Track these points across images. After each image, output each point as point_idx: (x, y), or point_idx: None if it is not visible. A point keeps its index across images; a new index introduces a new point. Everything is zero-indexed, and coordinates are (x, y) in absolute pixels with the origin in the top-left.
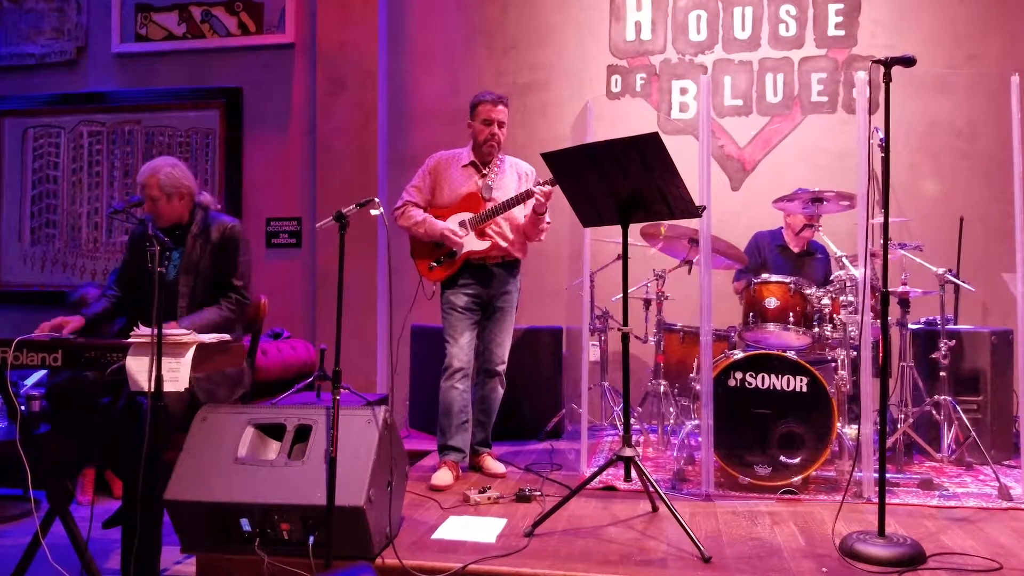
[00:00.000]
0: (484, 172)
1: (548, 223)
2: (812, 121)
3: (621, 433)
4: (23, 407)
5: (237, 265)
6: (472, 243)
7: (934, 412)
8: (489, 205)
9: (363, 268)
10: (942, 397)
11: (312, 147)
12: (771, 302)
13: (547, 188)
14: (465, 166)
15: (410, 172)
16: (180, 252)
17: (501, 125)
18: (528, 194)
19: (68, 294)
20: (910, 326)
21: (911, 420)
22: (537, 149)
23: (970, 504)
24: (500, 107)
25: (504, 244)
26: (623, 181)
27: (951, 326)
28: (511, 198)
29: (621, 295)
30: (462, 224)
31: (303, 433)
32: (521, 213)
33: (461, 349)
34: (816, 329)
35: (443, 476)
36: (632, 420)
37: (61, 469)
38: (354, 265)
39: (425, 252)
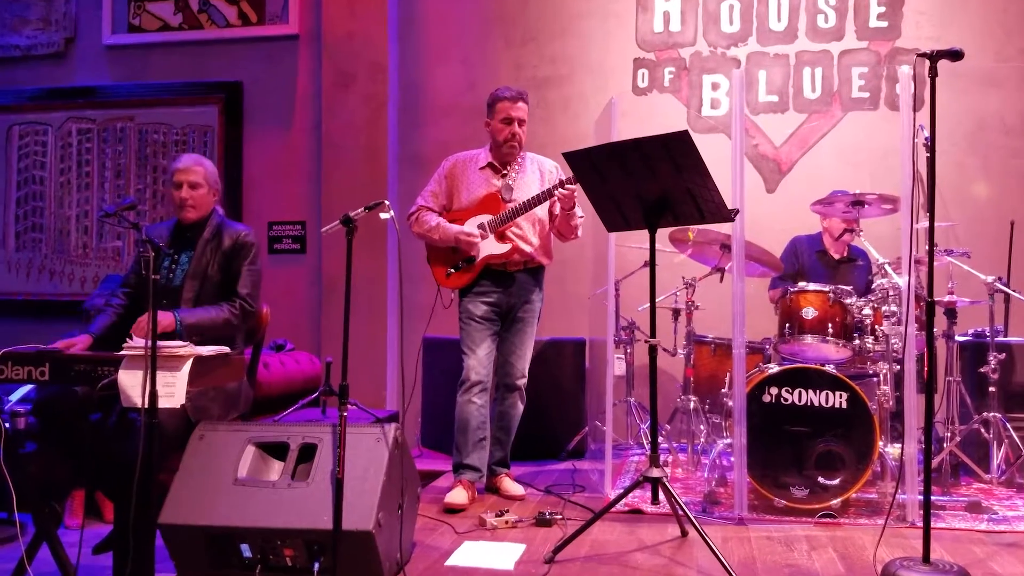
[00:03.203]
0: (504, 172)
1: (582, 217)
2: (853, 118)
3: (648, 452)
4: (8, 424)
5: (243, 273)
6: (491, 247)
7: (983, 430)
8: (509, 206)
9: (372, 275)
10: (991, 414)
11: (317, 145)
12: (809, 312)
13: (568, 189)
14: (483, 168)
15: (423, 171)
16: (190, 256)
17: (522, 124)
18: (548, 194)
19: (86, 303)
20: (957, 338)
21: (958, 439)
22: (558, 148)
23: (1021, 528)
24: (520, 104)
25: (527, 248)
26: (650, 183)
27: (1001, 338)
28: (531, 198)
29: (648, 305)
30: (481, 227)
31: (308, 452)
32: (545, 213)
33: (479, 361)
34: (857, 341)
35: (458, 495)
36: (660, 438)
37: (48, 490)
38: (363, 272)
39: (442, 258)
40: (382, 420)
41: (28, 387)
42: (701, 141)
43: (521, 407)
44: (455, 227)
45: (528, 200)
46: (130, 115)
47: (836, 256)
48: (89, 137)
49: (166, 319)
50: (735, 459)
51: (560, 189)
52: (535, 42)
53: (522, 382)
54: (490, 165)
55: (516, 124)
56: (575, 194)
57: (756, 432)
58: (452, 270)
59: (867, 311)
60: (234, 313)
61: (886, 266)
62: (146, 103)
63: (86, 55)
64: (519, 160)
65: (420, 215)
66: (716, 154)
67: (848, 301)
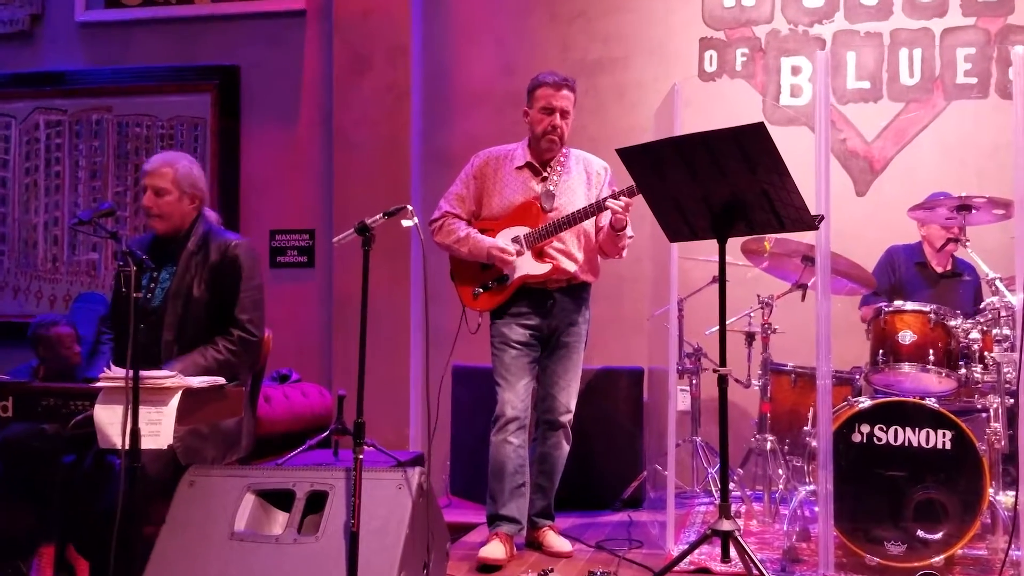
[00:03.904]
0: (544, 174)
1: (631, 237)
2: (957, 108)
3: (717, 501)
4: None
5: (241, 294)
6: (528, 265)
7: None
8: (550, 218)
9: (392, 293)
10: None
11: (328, 141)
12: (906, 336)
13: (624, 201)
14: (520, 168)
15: (452, 171)
16: (171, 272)
17: (565, 115)
18: (598, 207)
19: (32, 327)
20: None
21: None
22: (611, 143)
23: None
24: (564, 92)
25: (570, 266)
26: (720, 184)
27: None
28: (576, 212)
29: (717, 327)
30: (516, 241)
31: (317, 502)
32: (592, 224)
33: (516, 395)
34: (963, 370)
35: (494, 549)
36: (731, 485)
37: (13, 546)
38: (381, 290)
39: (469, 275)
40: (404, 463)
41: None
42: (779, 135)
43: (566, 448)
44: (489, 240)
45: (572, 214)
46: (107, 105)
47: (938, 270)
48: (59, 131)
49: None
50: (819, 509)
51: (613, 202)
52: (584, 18)
53: (567, 419)
54: (528, 165)
55: (557, 115)
56: (631, 206)
57: (844, 477)
58: (480, 290)
59: (975, 335)
60: (231, 349)
61: (997, 282)
62: (126, 91)
63: (56, 34)
64: (561, 158)
65: (446, 223)
66: (797, 150)
67: (952, 323)
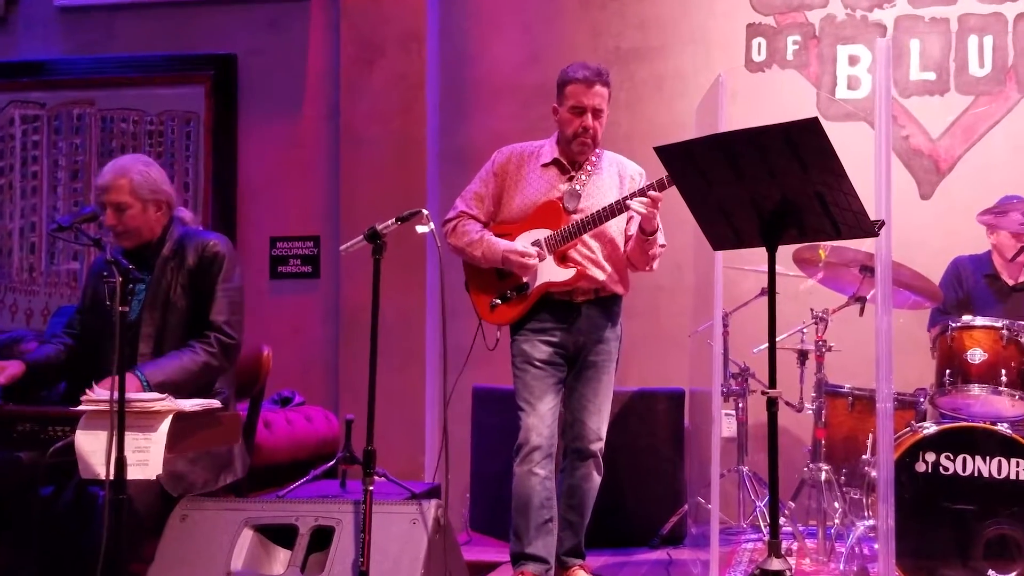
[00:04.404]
0: (572, 173)
1: (662, 246)
2: None
3: (766, 538)
4: None
5: (217, 295)
6: (550, 272)
7: None
8: (574, 219)
9: (406, 307)
10: None
11: (335, 138)
12: (976, 355)
13: (651, 196)
14: (546, 165)
15: (470, 172)
16: (146, 281)
17: (598, 114)
18: (621, 207)
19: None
20: None
21: None
22: (648, 140)
23: None
24: (597, 88)
25: (597, 274)
26: (769, 186)
27: None
28: (601, 210)
29: (766, 345)
30: (536, 244)
31: (322, 538)
32: (620, 231)
33: (541, 420)
34: None
35: None
36: (782, 520)
37: None
38: (394, 303)
39: (485, 284)
40: (419, 495)
41: None
42: (835, 131)
43: (598, 479)
44: (504, 243)
45: (597, 212)
46: (90, 98)
47: (1010, 282)
48: (37, 127)
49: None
50: (880, 546)
51: (637, 199)
52: (619, 2)
53: (598, 447)
54: (556, 163)
55: (589, 115)
56: (659, 203)
57: (907, 511)
58: (498, 301)
59: None
60: (211, 351)
61: None
62: (111, 83)
63: (33, 20)
64: (594, 159)
65: (460, 224)
66: (855, 148)
67: None
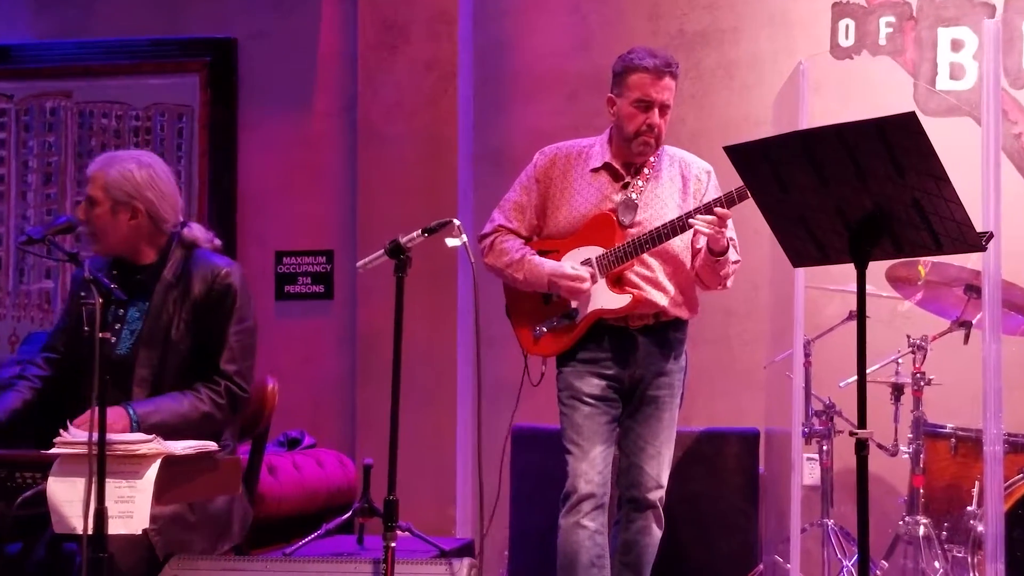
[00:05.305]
0: (627, 179)
1: (736, 262)
2: None
3: None
4: None
5: (228, 338)
6: (603, 297)
7: None
8: (630, 235)
9: (434, 333)
10: None
11: (351, 136)
12: None
13: (717, 213)
14: (596, 170)
15: (510, 175)
16: (143, 310)
17: (665, 110)
18: (684, 224)
19: None
20: None
21: None
22: (717, 138)
23: None
24: (667, 80)
25: (658, 298)
26: (858, 192)
27: None
28: (661, 227)
29: (855, 378)
30: (587, 264)
31: None
32: (687, 245)
33: (592, 465)
34: None
35: None
36: None
37: None
38: (420, 328)
39: (528, 310)
40: (449, 553)
41: None
42: (935, 127)
43: (658, 534)
44: (550, 264)
45: (657, 230)
46: (66, 89)
47: None
48: (3, 122)
49: (114, 417)
50: None
51: (700, 217)
52: None
53: (658, 496)
54: (607, 167)
55: (656, 111)
56: (727, 220)
57: (1020, 572)
58: (543, 329)
59: None
60: (217, 402)
61: None
62: (91, 71)
63: None
64: (652, 161)
65: (497, 240)
66: (958, 148)
67: None
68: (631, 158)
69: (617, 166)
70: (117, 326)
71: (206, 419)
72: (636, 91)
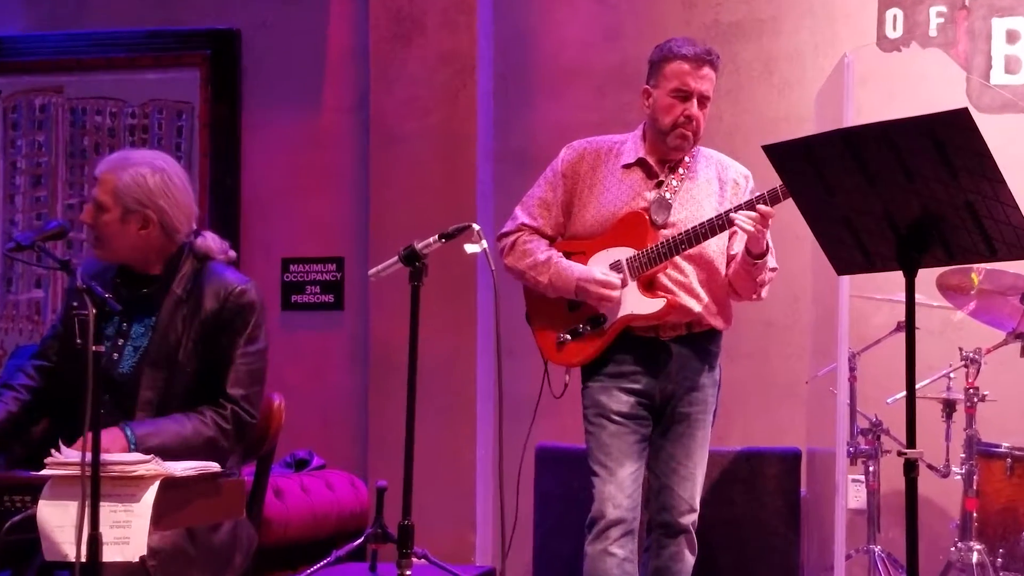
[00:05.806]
0: (661, 177)
1: (773, 270)
2: None
3: None
4: None
5: (236, 361)
6: (634, 302)
7: None
8: (663, 236)
9: (452, 345)
10: None
11: (363, 135)
12: None
13: (761, 211)
14: (628, 167)
15: (533, 174)
16: (149, 326)
17: (704, 102)
18: (724, 222)
19: None
20: None
21: None
22: (755, 138)
23: None
24: (706, 71)
25: (692, 304)
26: (907, 194)
27: None
28: (699, 225)
29: (903, 394)
30: (616, 267)
31: None
32: (721, 250)
33: (620, 487)
34: None
35: None
36: None
37: None
38: (437, 340)
39: (551, 316)
40: None
41: None
42: (989, 124)
43: (691, 560)
44: (579, 268)
45: (694, 229)
46: (57, 84)
47: None
48: None
49: (110, 439)
50: None
51: (743, 216)
52: None
53: (691, 520)
54: (640, 163)
55: (695, 102)
56: (770, 220)
57: None
58: (567, 336)
59: None
60: (223, 428)
61: None
62: (84, 66)
63: None
64: (687, 160)
65: (520, 240)
66: (1014, 147)
67: None
68: (667, 154)
69: (652, 162)
70: (120, 342)
71: (209, 445)
72: (674, 80)
